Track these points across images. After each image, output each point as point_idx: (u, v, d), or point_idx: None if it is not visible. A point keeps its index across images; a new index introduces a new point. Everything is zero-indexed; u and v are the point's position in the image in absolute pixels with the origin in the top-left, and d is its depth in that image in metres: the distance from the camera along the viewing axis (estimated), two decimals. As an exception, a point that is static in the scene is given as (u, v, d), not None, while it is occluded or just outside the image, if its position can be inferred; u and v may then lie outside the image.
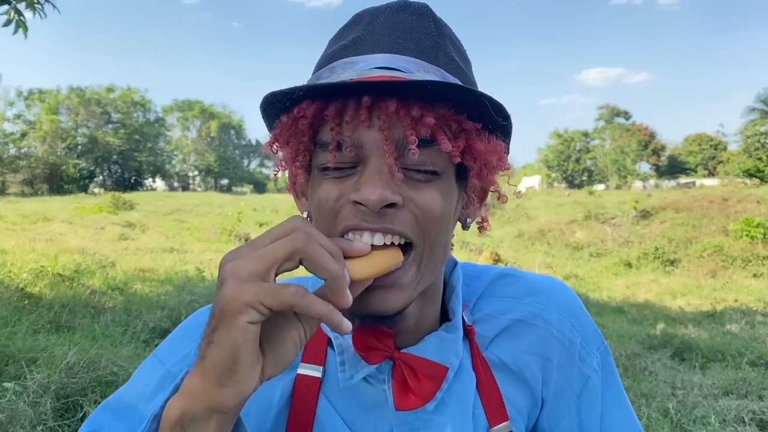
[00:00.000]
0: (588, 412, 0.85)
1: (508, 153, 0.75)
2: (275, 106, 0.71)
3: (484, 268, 0.90)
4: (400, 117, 0.63)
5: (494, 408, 0.79)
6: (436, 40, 0.70)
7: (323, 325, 0.75)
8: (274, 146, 0.73)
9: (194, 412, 0.54)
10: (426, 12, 0.71)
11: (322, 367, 0.75)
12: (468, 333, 0.80)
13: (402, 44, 0.67)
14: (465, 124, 0.67)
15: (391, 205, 0.64)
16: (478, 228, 0.81)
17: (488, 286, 0.86)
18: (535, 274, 0.91)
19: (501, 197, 0.78)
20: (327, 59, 0.71)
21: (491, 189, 0.76)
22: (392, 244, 0.66)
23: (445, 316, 0.81)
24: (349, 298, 0.57)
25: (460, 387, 0.77)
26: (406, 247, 0.67)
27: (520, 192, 0.79)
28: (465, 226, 0.78)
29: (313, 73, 0.72)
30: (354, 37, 0.70)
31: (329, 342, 0.76)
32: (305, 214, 0.76)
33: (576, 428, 0.85)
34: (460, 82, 0.69)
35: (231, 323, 0.51)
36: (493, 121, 0.68)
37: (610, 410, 0.86)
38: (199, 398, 0.53)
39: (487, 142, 0.69)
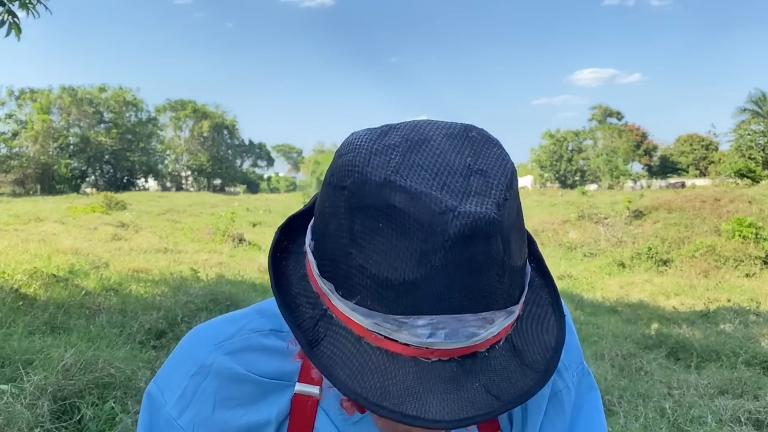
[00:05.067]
0: (549, 427, 0.82)
1: None
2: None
3: None
4: None
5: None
6: (501, 262, 0.55)
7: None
8: None
9: None
10: (493, 230, 0.53)
11: (319, 387, 0.74)
12: None
13: (466, 299, 0.54)
14: None
15: None
16: None
17: None
18: None
19: None
20: (369, 286, 0.56)
21: None
22: None
23: None
24: None
25: None
26: None
27: None
28: None
29: (342, 280, 0.59)
30: (407, 280, 0.53)
31: None
32: None
33: None
34: (522, 294, 0.62)
35: None
36: None
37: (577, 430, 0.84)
38: None
39: None
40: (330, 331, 0.59)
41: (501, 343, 0.58)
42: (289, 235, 0.70)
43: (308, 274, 0.65)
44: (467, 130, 0.60)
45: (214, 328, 0.80)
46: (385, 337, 0.55)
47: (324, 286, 0.61)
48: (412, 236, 0.53)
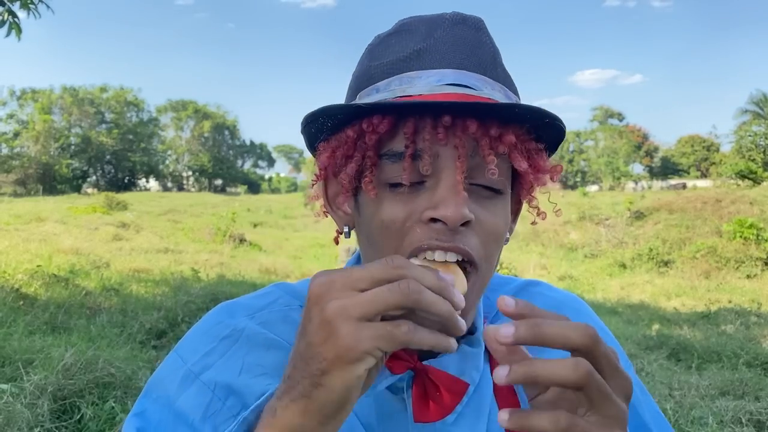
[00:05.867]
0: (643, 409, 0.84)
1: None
2: (325, 121, 0.70)
3: (506, 280, 0.92)
4: (479, 136, 0.64)
5: None
6: (493, 55, 0.71)
7: None
8: (323, 157, 0.72)
9: None
10: (481, 26, 0.71)
11: None
12: None
13: (466, 60, 0.67)
14: (532, 144, 0.70)
15: (465, 223, 0.64)
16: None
17: None
18: (556, 289, 0.92)
19: (540, 213, 0.78)
20: (384, 70, 0.69)
21: (532, 204, 0.77)
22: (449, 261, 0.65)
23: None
24: (463, 327, 0.54)
25: (477, 398, 0.76)
26: (463, 264, 0.67)
27: (559, 210, 0.78)
28: (505, 241, 0.77)
29: (364, 84, 0.71)
30: (416, 49, 0.68)
31: None
32: (345, 228, 0.77)
33: None
34: (518, 99, 0.72)
35: (348, 369, 0.51)
36: (552, 142, 0.73)
37: (643, 411, 0.86)
38: None
39: (546, 161, 0.73)
40: None
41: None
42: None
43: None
44: None
45: (244, 301, 0.82)
46: (401, 97, 0.66)
47: (347, 108, 0.68)
48: (418, 29, 0.70)
